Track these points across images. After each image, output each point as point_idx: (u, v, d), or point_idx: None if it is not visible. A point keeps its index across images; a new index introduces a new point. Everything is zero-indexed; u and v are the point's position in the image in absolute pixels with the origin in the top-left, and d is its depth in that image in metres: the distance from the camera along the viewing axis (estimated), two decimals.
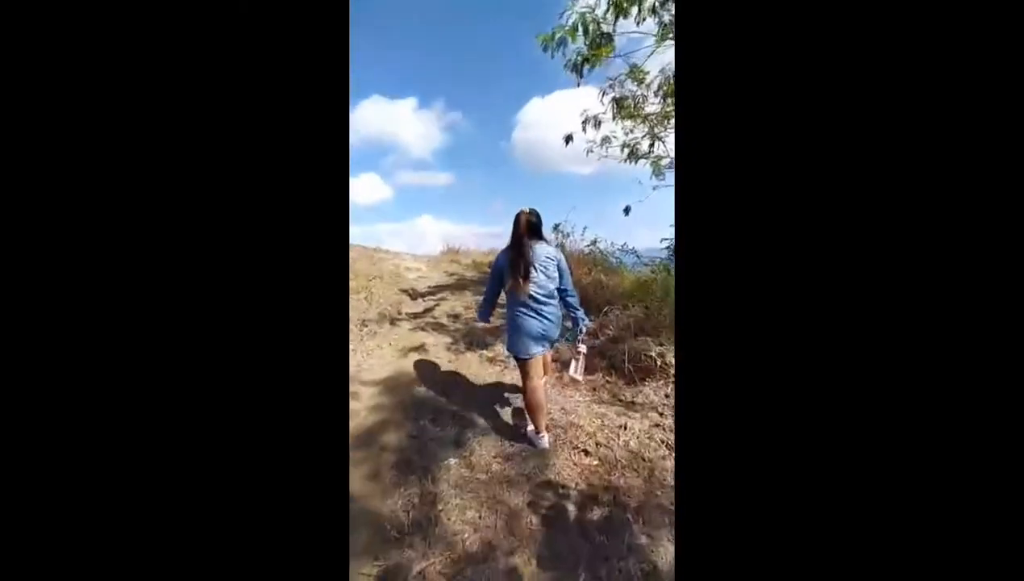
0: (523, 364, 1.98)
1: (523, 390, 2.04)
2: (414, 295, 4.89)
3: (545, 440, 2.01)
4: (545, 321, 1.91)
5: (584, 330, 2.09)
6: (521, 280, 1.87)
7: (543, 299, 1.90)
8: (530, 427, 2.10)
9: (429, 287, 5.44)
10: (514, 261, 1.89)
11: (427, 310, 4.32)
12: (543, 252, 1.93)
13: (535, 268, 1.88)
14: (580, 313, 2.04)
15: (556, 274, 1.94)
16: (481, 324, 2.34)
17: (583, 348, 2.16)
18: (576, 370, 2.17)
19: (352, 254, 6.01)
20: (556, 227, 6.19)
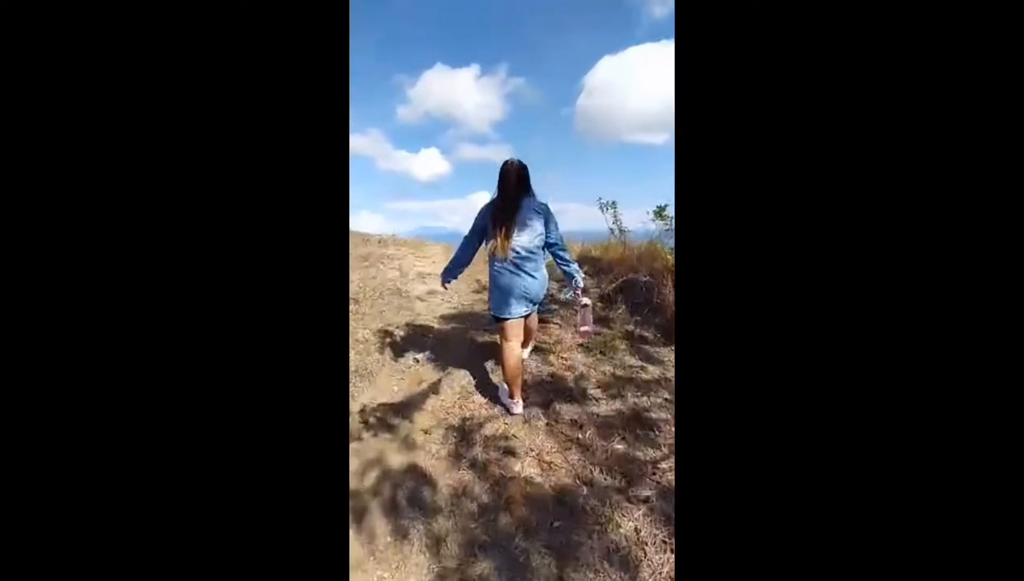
0: (501, 325, 1.85)
1: (500, 352, 1.89)
2: (415, 339, 2.63)
3: (519, 407, 1.89)
4: (526, 278, 1.78)
5: (580, 283, 1.91)
6: (502, 238, 1.74)
7: (525, 255, 1.77)
8: (504, 389, 1.99)
9: (440, 326, 3.16)
10: (500, 216, 1.76)
11: (409, 412, 2.04)
12: (530, 206, 1.78)
13: (518, 224, 1.75)
14: (573, 267, 1.90)
15: (542, 229, 1.80)
16: (444, 286, 1.98)
17: (586, 300, 1.96)
18: (583, 322, 1.98)
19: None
20: (661, 212, 3.66)
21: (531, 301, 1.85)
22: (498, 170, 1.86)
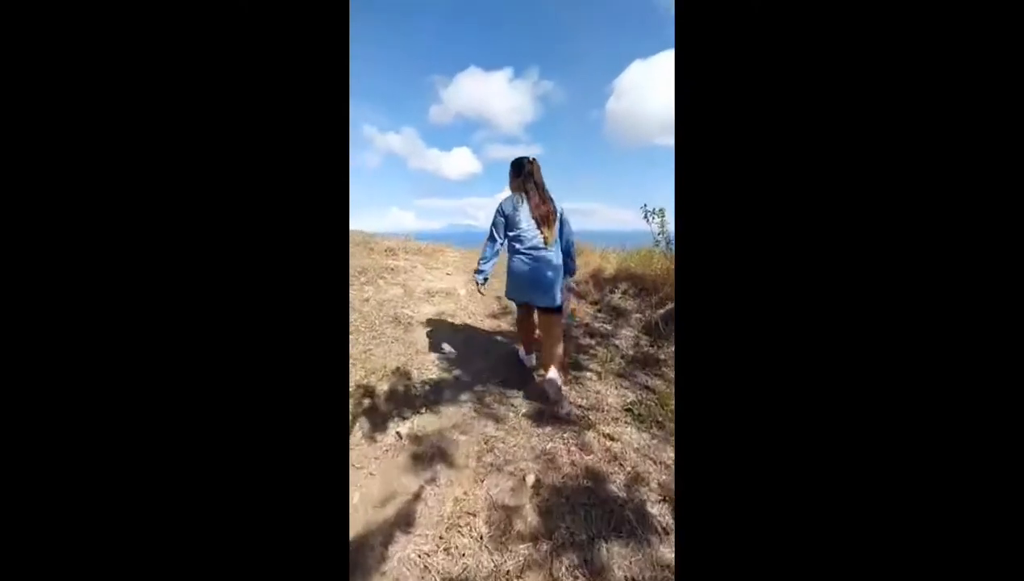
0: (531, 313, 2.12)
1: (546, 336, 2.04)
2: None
3: (532, 359, 2.21)
4: (539, 267, 1.89)
5: (570, 276, 2.12)
6: (547, 230, 1.88)
7: (543, 246, 1.90)
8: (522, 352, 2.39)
9: (443, 371, 2.46)
10: (537, 209, 1.88)
11: None
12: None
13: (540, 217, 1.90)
14: (572, 264, 2.10)
15: (558, 224, 1.95)
16: (479, 289, 2.10)
17: (568, 294, 2.14)
18: (563, 314, 2.09)
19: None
20: None
21: (543, 291, 1.92)
22: (516, 168, 1.97)
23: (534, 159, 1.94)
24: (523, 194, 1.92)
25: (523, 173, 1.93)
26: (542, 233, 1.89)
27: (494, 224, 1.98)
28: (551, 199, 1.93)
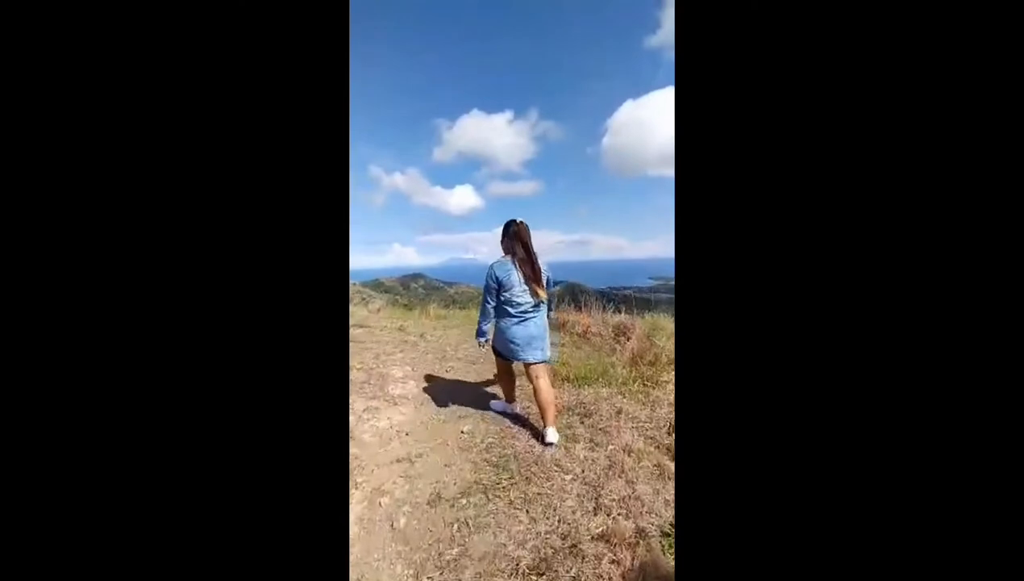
0: (529, 368, 2.08)
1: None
2: None
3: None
4: (530, 327, 2.02)
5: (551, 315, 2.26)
6: (538, 287, 2.00)
7: (536, 303, 2.02)
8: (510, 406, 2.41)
9: None
10: (527, 269, 1.99)
11: None
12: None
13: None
14: (551, 314, 2.23)
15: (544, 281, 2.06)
16: (480, 342, 2.23)
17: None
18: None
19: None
20: None
21: (533, 347, 2.03)
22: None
23: (522, 221, 2.03)
24: (513, 256, 2.02)
25: (509, 235, 2.03)
26: (535, 292, 2.00)
27: (487, 290, 2.07)
28: (536, 258, 2.02)
